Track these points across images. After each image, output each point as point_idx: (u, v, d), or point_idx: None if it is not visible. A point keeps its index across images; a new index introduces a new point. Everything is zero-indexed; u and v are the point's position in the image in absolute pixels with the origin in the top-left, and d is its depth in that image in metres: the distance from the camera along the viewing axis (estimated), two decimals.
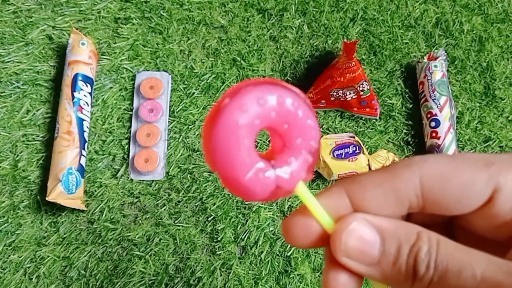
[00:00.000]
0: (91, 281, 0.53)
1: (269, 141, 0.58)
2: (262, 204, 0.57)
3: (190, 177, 0.58)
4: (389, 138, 0.62)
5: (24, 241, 0.54)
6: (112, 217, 0.56)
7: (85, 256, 0.54)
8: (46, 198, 0.53)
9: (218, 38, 0.64)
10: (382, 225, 0.18)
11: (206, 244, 0.56)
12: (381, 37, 0.66)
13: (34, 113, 0.59)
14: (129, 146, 0.59)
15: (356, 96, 0.59)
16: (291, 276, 0.54)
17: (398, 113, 0.63)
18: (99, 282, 0.53)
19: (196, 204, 0.57)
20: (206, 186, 0.57)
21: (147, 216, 0.56)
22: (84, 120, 0.57)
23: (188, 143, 0.59)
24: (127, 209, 0.57)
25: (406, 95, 0.64)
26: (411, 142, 0.62)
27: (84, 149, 0.56)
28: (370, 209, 0.18)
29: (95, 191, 0.57)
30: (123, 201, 0.57)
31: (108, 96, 0.61)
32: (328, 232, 0.19)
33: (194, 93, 0.61)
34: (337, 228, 0.18)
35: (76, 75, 0.57)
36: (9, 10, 0.63)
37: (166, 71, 0.62)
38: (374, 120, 0.62)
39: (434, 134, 0.59)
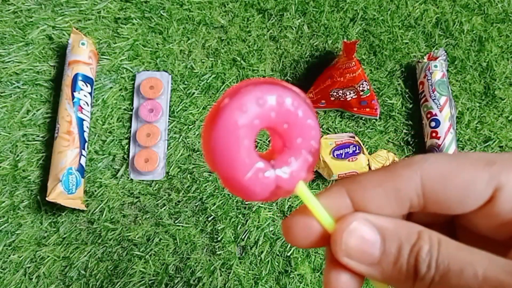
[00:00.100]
0: (91, 281, 0.53)
1: (269, 141, 0.58)
2: (262, 204, 0.57)
3: (190, 177, 0.58)
4: (389, 138, 0.62)
5: (24, 241, 0.54)
6: (112, 217, 0.56)
7: (85, 256, 0.54)
8: (46, 198, 0.53)
9: (218, 38, 0.64)
10: (382, 225, 0.18)
11: (206, 244, 0.56)
12: (381, 37, 0.66)
13: (34, 113, 0.59)
14: (129, 146, 0.59)
15: (356, 96, 0.59)
16: (291, 276, 0.54)
17: (398, 113, 0.63)
18: (99, 282, 0.53)
19: (196, 204, 0.57)
20: (206, 186, 0.57)
21: (147, 216, 0.56)
22: (84, 120, 0.57)
23: (188, 143, 0.59)
24: (127, 209, 0.57)
25: (406, 95, 0.64)
26: (411, 142, 0.62)
27: (84, 149, 0.56)
28: (370, 209, 0.18)
29: (95, 191, 0.57)
30: (123, 201, 0.57)
31: (108, 96, 0.61)
32: (328, 232, 0.18)
33: (194, 93, 0.61)
34: (337, 228, 0.18)
35: (76, 75, 0.57)
36: (9, 10, 0.63)
37: (166, 71, 0.62)
38: (374, 120, 0.62)
39: (434, 134, 0.59)
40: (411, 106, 0.63)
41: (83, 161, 0.56)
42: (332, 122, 0.61)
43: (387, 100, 0.63)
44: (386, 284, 0.18)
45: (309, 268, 0.55)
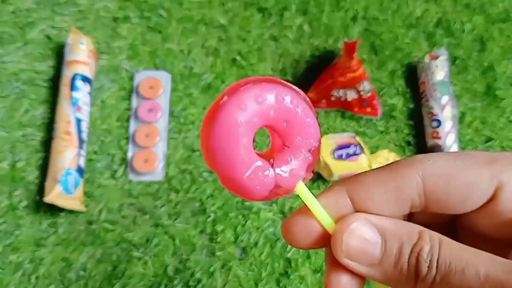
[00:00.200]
0: (90, 282, 0.53)
1: (269, 140, 0.58)
2: (262, 204, 0.57)
3: (189, 177, 0.58)
4: (390, 138, 0.61)
5: (23, 241, 0.54)
6: (111, 218, 0.56)
7: (84, 257, 0.54)
8: (44, 199, 0.53)
9: (218, 38, 0.64)
10: (383, 225, 0.17)
11: (205, 245, 0.55)
12: (382, 36, 0.65)
13: (33, 113, 0.59)
14: (128, 147, 0.59)
15: (357, 96, 0.59)
16: (291, 277, 0.54)
17: (399, 113, 0.62)
18: (98, 283, 0.53)
19: (196, 205, 0.57)
20: (205, 187, 0.57)
21: (146, 217, 0.56)
22: (83, 120, 0.56)
23: (187, 143, 0.59)
24: (126, 209, 0.56)
25: (407, 95, 0.64)
26: (412, 143, 0.62)
27: (83, 150, 0.56)
28: (371, 209, 0.18)
29: (94, 191, 0.56)
30: (122, 202, 0.56)
31: (107, 96, 0.60)
32: (328, 232, 0.18)
33: (193, 93, 0.61)
34: (337, 228, 0.18)
35: (75, 75, 0.57)
36: (8, 10, 0.63)
37: (166, 70, 0.62)
38: (375, 120, 0.61)
39: (435, 134, 0.59)
40: (412, 106, 0.63)
41: (82, 161, 0.56)
42: (333, 122, 0.61)
43: (388, 100, 0.63)
44: (387, 285, 0.18)
45: (310, 269, 0.55)
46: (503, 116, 0.63)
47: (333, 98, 0.60)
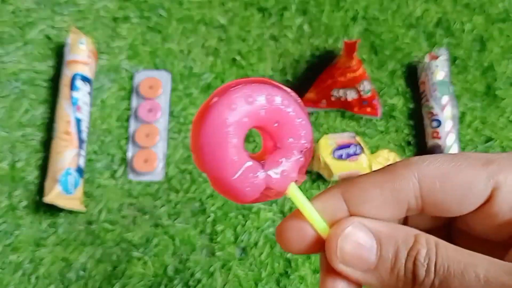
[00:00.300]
0: (89, 282, 0.53)
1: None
2: (262, 205, 0.57)
3: (189, 177, 0.58)
4: (390, 138, 0.61)
5: (23, 241, 0.54)
6: (111, 218, 0.56)
7: (83, 257, 0.54)
8: (43, 199, 0.53)
9: (218, 38, 0.64)
10: (378, 229, 0.17)
11: (205, 245, 0.55)
12: (382, 36, 0.65)
13: (32, 113, 0.59)
14: (128, 147, 0.58)
15: (357, 96, 0.59)
16: (291, 277, 0.54)
17: (399, 113, 0.62)
18: (98, 283, 0.53)
19: (196, 205, 0.57)
20: (205, 187, 0.57)
21: (146, 217, 0.56)
22: (82, 120, 0.56)
23: (187, 143, 0.59)
24: (126, 210, 0.56)
25: (407, 95, 0.63)
26: (412, 142, 0.62)
27: (82, 150, 0.56)
28: (367, 212, 0.18)
29: (94, 191, 0.56)
30: (122, 202, 0.56)
31: (107, 96, 0.60)
32: (323, 238, 0.18)
33: (193, 92, 0.61)
34: (332, 233, 0.17)
35: (74, 75, 0.57)
36: (8, 10, 0.63)
37: (166, 70, 0.62)
38: (375, 120, 0.61)
39: (435, 134, 0.59)
40: (412, 106, 0.63)
41: (81, 161, 0.55)
42: (333, 122, 0.61)
43: (388, 100, 0.63)
44: None
45: (310, 269, 0.55)
46: (503, 116, 0.63)
47: (333, 98, 0.60)
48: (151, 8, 0.64)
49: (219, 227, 0.55)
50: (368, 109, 0.60)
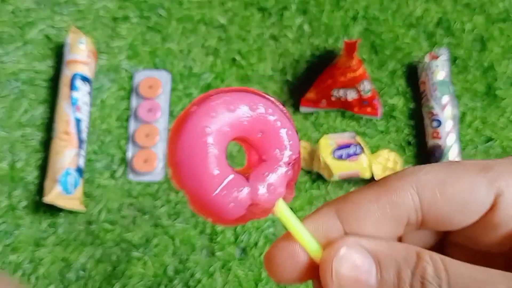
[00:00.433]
0: (89, 282, 0.53)
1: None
2: None
3: None
4: (390, 138, 0.61)
5: (22, 241, 0.54)
6: (110, 218, 0.56)
7: (83, 257, 0.54)
8: (43, 199, 0.53)
9: (218, 37, 0.64)
10: (376, 248, 0.16)
11: (205, 245, 0.55)
12: (382, 36, 0.65)
13: (32, 113, 0.59)
14: (127, 147, 0.58)
15: (357, 96, 0.59)
16: None
17: (399, 113, 0.62)
18: (98, 283, 0.53)
19: None
20: None
21: (146, 217, 0.56)
22: (82, 120, 0.56)
23: None
24: (126, 210, 0.56)
25: (408, 95, 0.63)
26: (412, 142, 0.61)
27: (82, 150, 0.56)
28: (365, 230, 0.16)
29: (94, 192, 0.56)
30: (122, 202, 0.56)
31: (107, 96, 0.60)
32: (316, 261, 0.16)
33: (193, 92, 0.61)
34: (325, 255, 0.16)
35: (74, 75, 0.57)
36: (7, 9, 0.63)
37: (166, 70, 0.62)
38: (375, 120, 0.61)
39: (435, 134, 0.59)
40: (412, 106, 0.63)
41: (81, 161, 0.55)
42: (333, 122, 0.61)
43: (388, 100, 0.63)
44: None
45: None
46: (504, 116, 0.63)
47: (333, 98, 0.60)
48: (151, 8, 0.64)
49: (219, 227, 0.55)
50: (368, 109, 0.60)
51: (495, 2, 0.69)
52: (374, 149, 0.60)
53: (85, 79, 0.58)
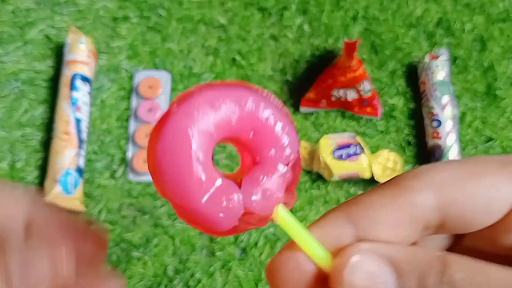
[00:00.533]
0: None
1: None
2: None
3: None
4: (390, 138, 0.61)
5: None
6: (110, 218, 0.55)
7: None
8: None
9: (218, 37, 0.64)
10: (393, 255, 0.14)
11: (205, 245, 0.55)
12: (382, 36, 0.65)
13: (32, 113, 0.59)
14: (127, 146, 0.58)
15: (357, 96, 0.59)
16: None
17: (399, 113, 0.62)
18: None
19: None
20: None
21: (146, 217, 0.56)
22: (82, 120, 0.56)
23: None
24: (126, 210, 0.56)
25: (407, 95, 0.63)
26: (412, 142, 0.61)
27: (82, 150, 0.56)
28: (379, 235, 0.14)
29: (94, 192, 0.56)
30: (122, 202, 0.56)
31: (107, 96, 0.60)
32: (325, 271, 0.14)
33: None
34: (336, 264, 0.14)
35: (74, 75, 0.57)
36: (7, 9, 0.63)
37: (166, 70, 0.62)
38: (375, 120, 0.61)
39: (435, 134, 0.59)
40: (412, 106, 0.63)
41: (81, 161, 0.55)
42: (333, 122, 0.61)
43: (388, 100, 0.63)
44: None
45: None
46: (504, 116, 0.63)
47: (333, 98, 0.60)
48: (151, 8, 0.64)
49: None
50: (368, 109, 0.60)
51: (495, 2, 0.69)
52: (374, 149, 0.60)
53: (85, 79, 0.58)
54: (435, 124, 0.59)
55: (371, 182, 0.58)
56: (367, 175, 0.56)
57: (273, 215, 0.15)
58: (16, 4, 0.63)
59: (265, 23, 0.65)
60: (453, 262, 0.13)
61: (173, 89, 0.61)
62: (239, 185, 0.14)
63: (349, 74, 0.58)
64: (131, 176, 0.57)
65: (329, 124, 0.61)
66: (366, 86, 0.58)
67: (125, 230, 0.55)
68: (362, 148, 0.56)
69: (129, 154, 0.58)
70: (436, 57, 0.62)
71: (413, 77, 0.64)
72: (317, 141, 0.58)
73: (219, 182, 0.14)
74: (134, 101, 0.60)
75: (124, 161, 0.58)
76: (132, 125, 0.59)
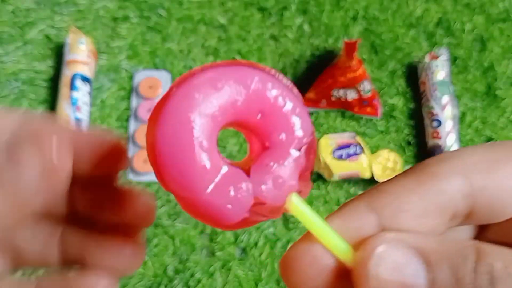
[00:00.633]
0: None
1: None
2: None
3: None
4: (390, 138, 0.61)
5: None
6: None
7: None
8: None
9: (218, 37, 0.64)
10: (422, 244, 0.13)
11: (205, 245, 0.55)
12: (382, 36, 0.65)
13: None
14: (127, 146, 0.58)
15: (357, 96, 0.59)
16: None
17: (399, 113, 0.62)
18: None
19: None
20: None
21: None
22: (82, 120, 0.56)
23: None
24: None
25: (407, 95, 0.63)
26: (412, 143, 0.61)
27: None
28: (404, 225, 0.13)
29: None
30: None
31: (107, 96, 0.60)
32: (346, 265, 0.13)
33: None
34: (360, 256, 0.13)
35: (74, 75, 0.57)
36: (7, 9, 0.63)
37: (166, 70, 0.62)
38: (375, 120, 0.61)
39: (435, 134, 0.59)
40: (412, 106, 0.63)
41: None
42: (333, 122, 0.61)
43: (388, 100, 0.63)
44: None
45: None
46: (504, 116, 0.63)
47: (333, 98, 0.60)
48: (151, 8, 0.64)
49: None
50: (368, 109, 0.60)
51: (495, 2, 0.69)
52: (374, 149, 0.60)
53: (85, 79, 0.58)
54: (435, 124, 0.59)
55: (371, 182, 0.58)
56: (367, 175, 0.56)
57: (287, 205, 0.13)
58: (16, 4, 0.63)
59: (265, 23, 0.65)
60: (490, 251, 0.12)
61: None
62: (248, 173, 0.13)
63: (349, 74, 0.58)
64: (131, 176, 0.57)
65: (329, 124, 0.61)
66: (366, 86, 0.58)
67: None
68: (362, 148, 0.56)
69: (129, 154, 0.58)
70: (436, 57, 0.62)
71: (413, 77, 0.64)
72: (317, 141, 0.58)
73: (225, 170, 0.13)
74: (134, 101, 0.60)
75: None
76: (132, 125, 0.59)
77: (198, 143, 0.12)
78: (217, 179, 0.12)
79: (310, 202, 0.57)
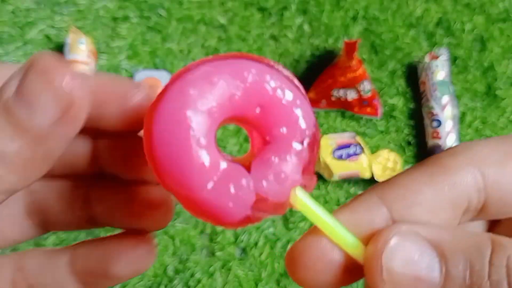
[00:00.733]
0: None
1: None
2: None
3: None
4: (390, 138, 0.61)
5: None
6: None
7: None
8: None
9: (218, 37, 0.64)
10: (436, 237, 0.12)
11: (205, 245, 0.55)
12: (382, 36, 0.65)
13: None
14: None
15: (357, 96, 0.59)
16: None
17: (399, 113, 0.62)
18: None
19: None
20: None
21: None
22: None
23: None
24: None
25: (407, 95, 0.63)
26: (412, 142, 0.61)
27: None
28: (417, 218, 0.13)
29: None
30: None
31: None
32: (356, 259, 0.13)
33: None
34: (372, 248, 0.12)
35: None
36: (7, 9, 0.63)
37: (166, 70, 0.62)
38: (375, 120, 0.61)
39: (435, 134, 0.59)
40: (412, 106, 0.63)
41: None
42: (333, 122, 0.61)
43: (388, 100, 0.63)
44: None
45: None
46: (504, 116, 0.63)
47: (333, 98, 0.60)
48: (151, 8, 0.64)
49: (219, 227, 0.55)
50: (368, 109, 0.60)
51: (495, 2, 0.69)
52: (374, 149, 0.60)
53: None
54: (435, 124, 0.59)
55: (371, 182, 0.58)
56: (367, 175, 0.56)
57: (291, 200, 0.13)
58: (16, 4, 0.63)
59: (265, 23, 0.65)
60: (506, 243, 0.12)
61: None
62: (249, 169, 0.13)
63: (349, 74, 0.58)
64: None
65: (329, 124, 0.61)
66: (366, 86, 0.58)
67: None
68: (362, 148, 0.56)
69: None
70: (436, 57, 0.62)
71: (413, 77, 0.64)
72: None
73: (224, 166, 0.12)
74: None
75: None
76: None
77: (195, 141, 0.12)
78: (216, 176, 0.12)
79: None
